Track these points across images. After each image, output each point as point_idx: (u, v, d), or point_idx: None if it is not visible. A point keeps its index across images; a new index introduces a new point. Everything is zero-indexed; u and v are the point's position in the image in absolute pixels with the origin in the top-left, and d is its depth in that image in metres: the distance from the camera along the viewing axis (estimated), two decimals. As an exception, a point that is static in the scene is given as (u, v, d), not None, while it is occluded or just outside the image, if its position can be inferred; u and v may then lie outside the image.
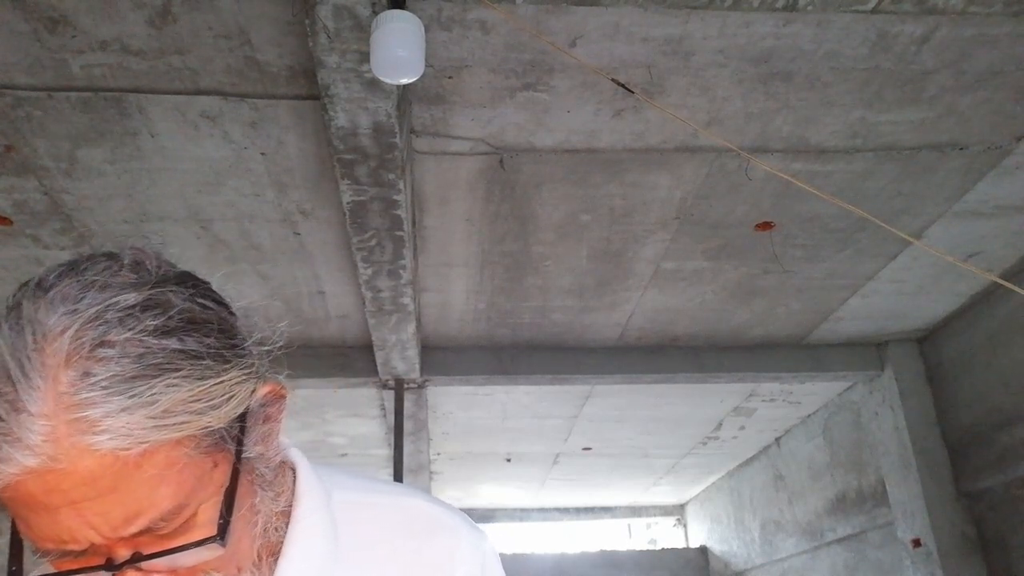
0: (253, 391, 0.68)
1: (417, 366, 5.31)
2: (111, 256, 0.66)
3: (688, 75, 3.07)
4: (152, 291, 0.62)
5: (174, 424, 0.59)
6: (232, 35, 2.78)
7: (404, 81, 2.47)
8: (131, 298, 0.61)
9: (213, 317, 0.65)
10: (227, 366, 0.64)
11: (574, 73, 3.04)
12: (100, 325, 0.58)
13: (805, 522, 7.51)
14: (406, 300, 4.32)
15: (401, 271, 4.00)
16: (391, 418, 5.87)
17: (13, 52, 2.81)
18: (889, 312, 5.28)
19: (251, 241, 4.09)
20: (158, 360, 0.59)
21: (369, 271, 3.99)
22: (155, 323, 0.60)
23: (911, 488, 5.45)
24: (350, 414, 6.66)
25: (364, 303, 4.38)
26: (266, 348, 0.72)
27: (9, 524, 0.63)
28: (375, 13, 2.41)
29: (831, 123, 3.40)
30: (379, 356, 5.08)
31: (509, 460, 8.40)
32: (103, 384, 0.57)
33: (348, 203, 3.41)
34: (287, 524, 0.74)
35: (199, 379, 0.61)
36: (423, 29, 2.46)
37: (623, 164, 3.63)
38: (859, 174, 3.76)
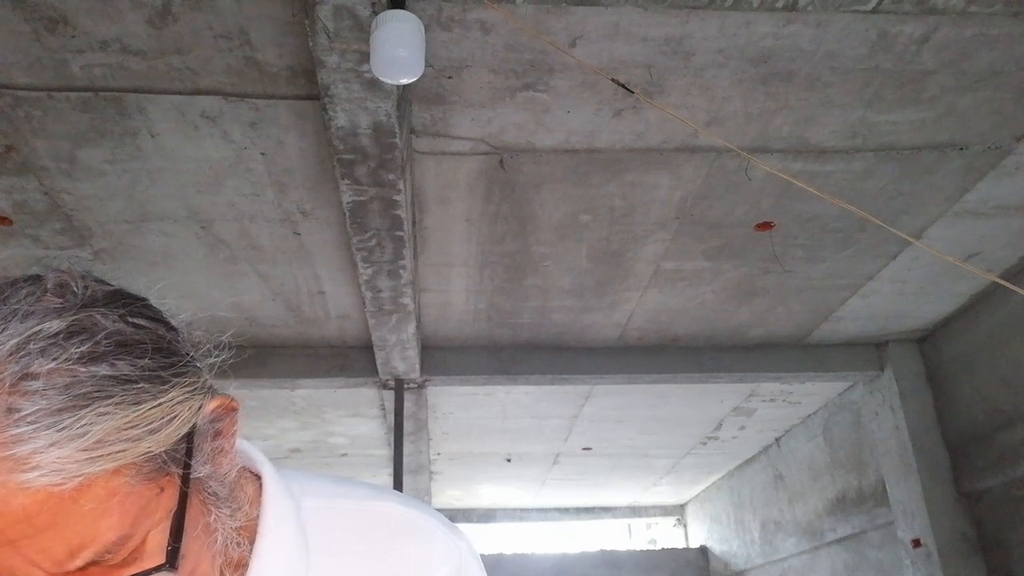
0: (199, 408, 0.65)
1: (417, 366, 5.32)
2: (34, 280, 0.63)
3: (688, 75, 3.07)
4: (78, 315, 0.59)
5: (109, 454, 0.56)
6: (232, 35, 2.78)
7: (404, 81, 2.47)
8: (55, 325, 0.58)
9: (147, 337, 0.62)
10: (165, 387, 0.61)
11: (574, 73, 3.04)
12: (23, 357, 0.56)
13: (805, 522, 7.51)
14: (406, 300, 4.32)
15: (401, 271, 4.00)
16: (391, 418, 5.87)
17: (13, 52, 2.81)
18: (889, 312, 5.28)
19: (251, 241, 4.09)
20: (87, 389, 0.56)
21: (369, 271, 3.99)
22: (82, 349, 0.57)
23: (911, 488, 5.45)
24: (350, 414, 6.66)
25: (364, 303, 4.38)
26: (212, 361, 0.69)
27: None
28: (375, 13, 2.41)
29: (831, 123, 3.40)
30: (379, 356, 5.08)
31: (509, 460, 8.40)
32: (30, 419, 0.54)
33: (348, 203, 3.41)
34: (253, 536, 0.72)
35: (133, 404, 0.58)
36: (423, 29, 2.46)
37: (623, 164, 3.63)
38: (859, 174, 3.76)
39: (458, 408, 6.68)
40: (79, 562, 0.57)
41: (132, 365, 0.59)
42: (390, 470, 6.03)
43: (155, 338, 0.63)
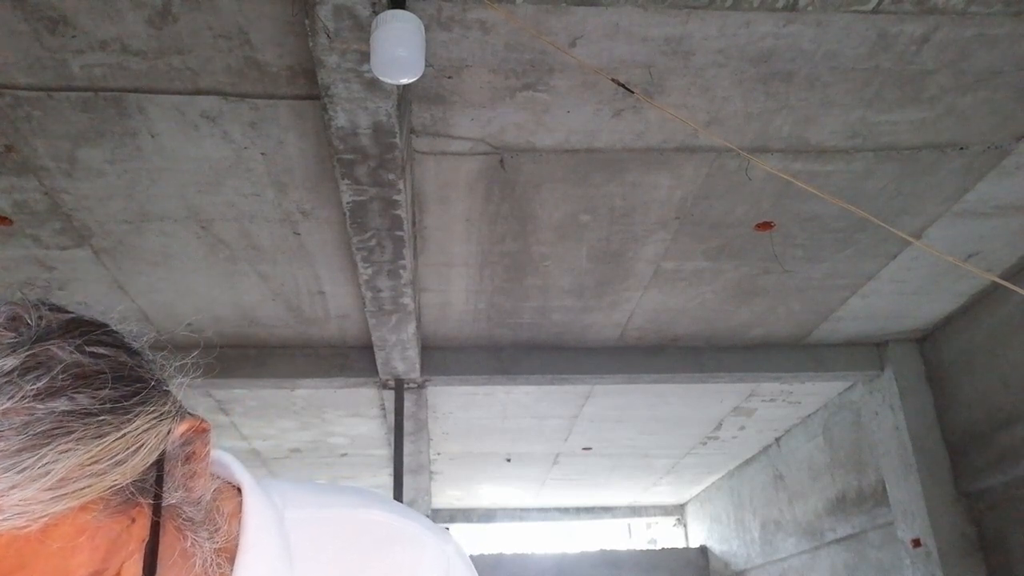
0: (168, 433, 0.63)
1: (417, 366, 5.32)
2: None
3: (688, 75, 3.07)
4: (32, 349, 0.57)
5: (74, 492, 0.55)
6: (232, 35, 2.78)
7: (404, 81, 2.47)
8: (9, 362, 0.55)
9: (106, 366, 0.60)
10: (128, 416, 0.59)
11: (574, 73, 3.04)
12: None
13: (805, 522, 7.51)
14: (406, 300, 4.32)
15: (401, 271, 4.00)
16: (391, 418, 5.87)
17: (13, 52, 2.81)
18: (889, 312, 5.28)
19: (251, 241, 4.09)
20: (46, 426, 0.54)
21: (369, 271, 3.99)
22: (38, 386, 0.55)
23: (911, 488, 5.45)
24: (350, 414, 6.66)
25: (364, 303, 4.38)
26: (181, 381, 0.67)
27: None
28: (375, 13, 2.41)
29: (831, 123, 3.40)
30: (379, 356, 5.08)
31: (509, 460, 8.40)
32: None
33: (348, 203, 3.41)
34: (234, 553, 0.71)
35: (96, 438, 0.56)
36: (423, 29, 2.46)
37: (623, 164, 3.63)
38: (859, 174, 3.76)
39: (458, 408, 6.68)
40: None
41: (92, 397, 0.57)
42: (390, 470, 6.03)
43: (115, 366, 0.61)
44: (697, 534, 10.69)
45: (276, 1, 2.65)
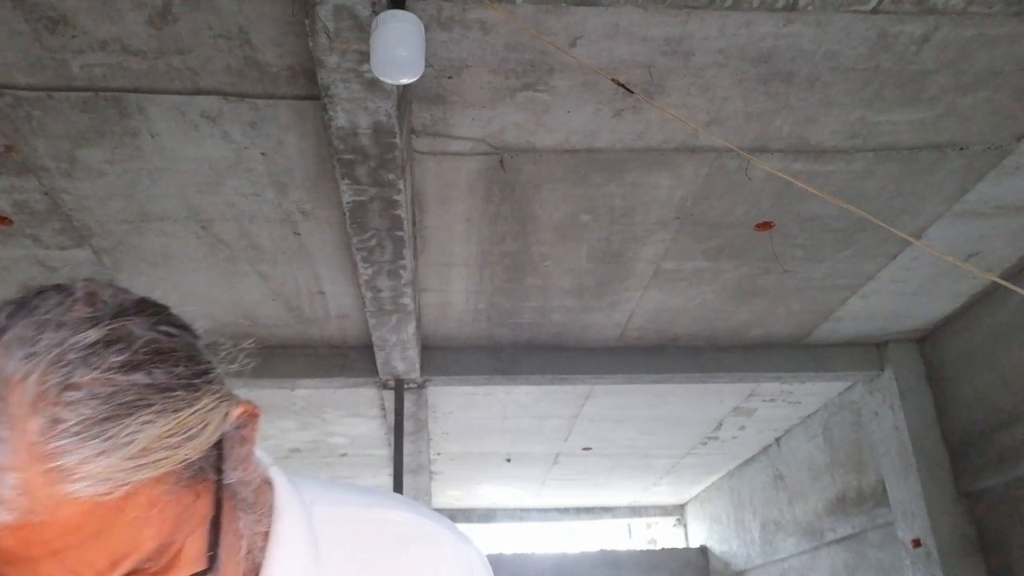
0: (226, 415, 0.65)
1: (417, 366, 5.31)
2: (62, 290, 0.62)
3: (688, 75, 3.07)
4: (112, 324, 0.59)
5: (153, 462, 0.56)
6: (232, 35, 2.78)
7: (404, 81, 2.47)
8: (92, 335, 0.57)
9: (179, 344, 0.62)
10: (198, 394, 0.61)
11: (574, 73, 3.04)
12: (63, 367, 0.55)
13: (805, 522, 7.51)
14: (406, 300, 4.32)
15: (401, 271, 4.00)
16: (391, 418, 5.87)
17: (13, 52, 2.81)
18: (889, 312, 5.28)
19: (251, 241, 4.09)
20: (129, 398, 0.56)
21: (369, 271, 3.99)
22: (120, 359, 0.57)
23: (911, 488, 5.44)
24: (350, 414, 6.66)
25: (364, 303, 4.38)
26: (233, 368, 0.69)
27: None
28: (375, 13, 2.41)
29: (831, 123, 3.40)
30: (379, 356, 5.08)
31: (509, 460, 8.40)
32: (75, 429, 0.54)
33: (348, 203, 3.41)
34: (266, 543, 0.72)
35: (173, 412, 0.58)
36: (423, 29, 2.46)
37: (623, 164, 3.63)
38: (859, 174, 3.76)
39: (458, 408, 6.68)
40: (121, 571, 0.57)
41: (168, 373, 0.59)
42: (390, 470, 6.03)
43: (184, 345, 0.63)
44: (697, 534, 10.69)
45: (276, 1, 2.65)
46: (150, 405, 0.57)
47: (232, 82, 3.00)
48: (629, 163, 3.63)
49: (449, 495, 9.87)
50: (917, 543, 5.38)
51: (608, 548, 10.61)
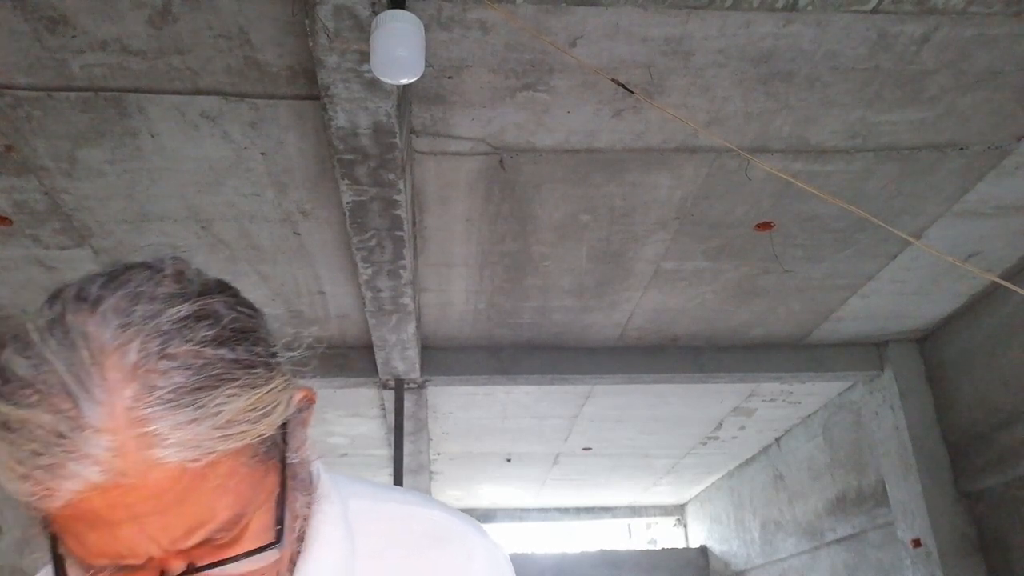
0: (291, 397, 0.68)
1: (417, 366, 5.31)
2: (149, 266, 0.65)
3: (688, 75, 3.07)
4: (201, 301, 0.62)
5: (236, 434, 0.59)
6: (232, 35, 2.78)
7: (404, 81, 2.47)
8: (183, 309, 0.60)
9: (256, 325, 0.66)
10: (272, 374, 0.64)
11: (574, 73, 3.04)
12: (158, 337, 0.58)
13: (805, 522, 7.51)
14: (406, 300, 4.32)
15: (401, 271, 4.00)
16: (391, 418, 5.87)
17: (13, 52, 2.81)
18: (889, 312, 5.28)
19: (251, 241, 4.09)
20: (217, 370, 0.59)
21: (369, 271, 3.99)
22: (210, 333, 0.60)
23: (911, 488, 5.45)
24: (350, 414, 6.66)
25: (364, 303, 4.38)
26: (294, 354, 0.72)
27: (49, 542, 0.62)
28: (375, 13, 2.41)
29: (831, 123, 3.40)
30: (379, 356, 5.08)
31: (509, 460, 8.40)
32: (168, 397, 0.56)
33: (348, 203, 3.41)
34: (307, 528, 0.74)
35: (253, 388, 0.61)
36: (423, 29, 2.46)
37: (623, 164, 3.63)
38: (859, 174, 3.76)
39: (458, 408, 6.68)
40: (194, 540, 0.59)
41: (248, 351, 0.62)
42: (390, 470, 6.03)
43: (260, 326, 0.67)
44: (697, 534, 10.69)
45: (276, 1, 2.65)
46: (235, 379, 0.60)
47: (232, 82, 3.00)
48: (629, 163, 3.63)
49: (449, 495, 9.87)
50: (917, 543, 5.38)
51: (608, 548, 10.61)
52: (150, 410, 0.56)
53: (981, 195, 3.97)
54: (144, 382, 0.56)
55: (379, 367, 5.26)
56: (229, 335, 0.61)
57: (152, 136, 3.26)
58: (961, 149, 3.63)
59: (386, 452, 7.62)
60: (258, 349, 0.63)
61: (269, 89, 3.04)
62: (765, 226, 4.18)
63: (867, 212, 3.54)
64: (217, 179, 3.56)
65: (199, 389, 0.57)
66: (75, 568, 0.61)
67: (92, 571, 0.59)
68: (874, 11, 2.77)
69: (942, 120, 3.41)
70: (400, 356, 5.10)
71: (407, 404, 5.53)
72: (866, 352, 5.79)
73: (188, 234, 3.99)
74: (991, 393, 4.98)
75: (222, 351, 0.60)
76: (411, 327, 4.68)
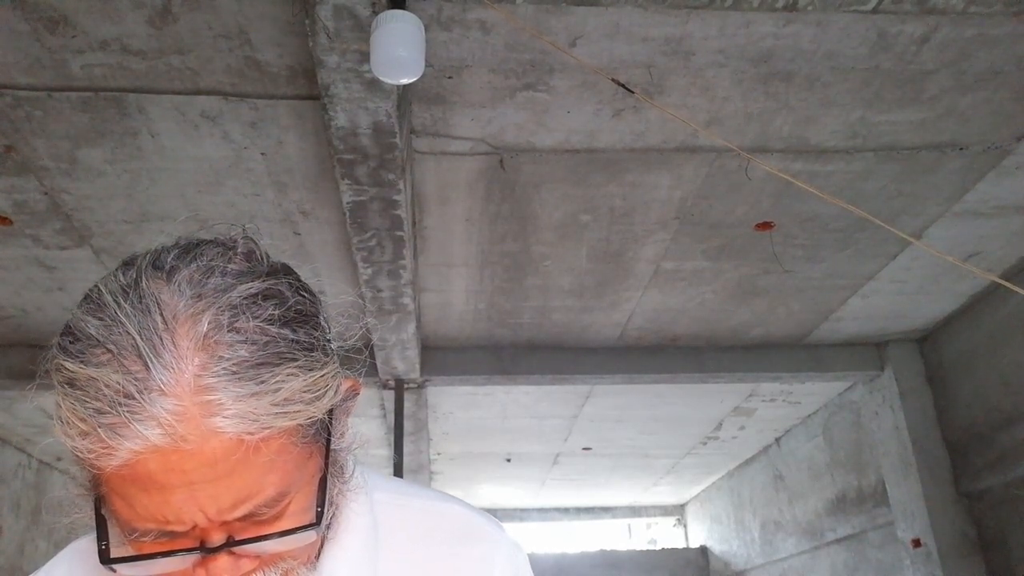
0: (339, 385, 0.69)
1: (417, 366, 5.32)
2: (222, 243, 0.67)
3: (688, 75, 3.07)
4: (269, 281, 0.63)
5: (291, 412, 0.60)
6: (232, 35, 2.78)
7: (404, 81, 2.47)
8: (254, 287, 0.62)
9: (316, 310, 0.68)
10: (327, 359, 0.66)
11: (574, 73, 3.04)
12: (228, 311, 0.60)
13: (805, 522, 7.52)
14: (406, 300, 4.32)
15: (401, 271, 4.00)
16: (391, 418, 5.87)
17: (13, 52, 2.81)
18: (889, 312, 5.28)
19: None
20: (280, 349, 0.60)
21: (369, 271, 3.99)
22: (276, 312, 0.61)
23: (911, 488, 5.45)
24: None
25: (364, 303, 4.38)
26: (342, 344, 0.73)
27: (93, 502, 0.63)
28: (375, 13, 2.41)
29: (831, 123, 3.40)
30: (379, 356, 5.08)
31: (509, 460, 8.40)
32: (233, 369, 0.58)
33: (348, 203, 3.41)
34: (336, 515, 0.75)
35: (310, 370, 0.62)
36: (423, 29, 2.46)
37: (623, 164, 3.63)
38: (859, 174, 3.76)
39: (458, 408, 6.68)
40: (240, 512, 0.60)
41: (308, 334, 0.64)
42: (390, 470, 6.03)
43: (320, 312, 0.69)
44: (697, 534, 10.69)
45: (276, 1, 2.65)
46: (295, 359, 0.61)
47: (232, 82, 3.00)
48: (629, 163, 3.63)
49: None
50: (917, 543, 5.38)
51: (608, 548, 10.61)
52: (215, 380, 0.57)
53: (981, 195, 3.97)
54: (212, 352, 0.58)
55: (379, 367, 5.26)
56: (293, 316, 0.63)
57: (152, 136, 3.26)
58: (961, 149, 3.63)
59: (386, 452, 7.62)
60: (317, 333, 0.65)
61: (269, 89, 3.05)
62: (765, 226, 4.18)
63: (867, 212, 3.54)
64: (217, 179, 3.57)
65: (262, 364, 0.59)
66: (115, 532, 0.62)
67: (135, 535, 0.60)
68: (874, 11, 2.77)
69: (942, 120, 3.41)
70: (400, 356, 5.10)
71: (407, 404, 5.53)
72: (866, 352, 5.79)
73: (188, 234, 3.98)
74: (991, 393, 4.98)
75: (286, 331, 0.61)
76: (411, 327, 4.68)
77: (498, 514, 10.76)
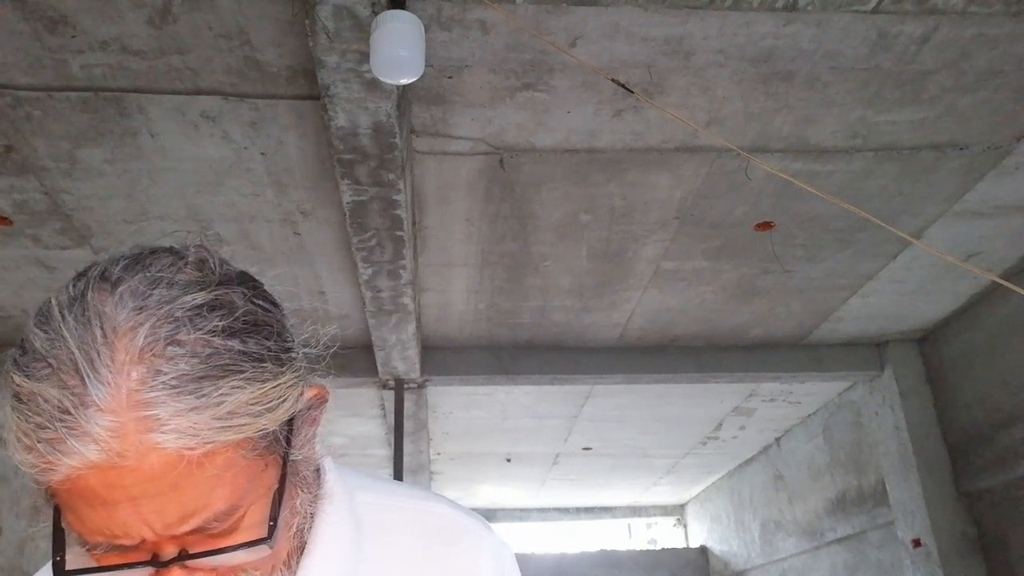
0: (301, 394, 0.68)
1: (417, 366, 5.31)
2: (174, 252, 0.66)
3: (688, 75, 3.07)
4: (218, 291, 0.62)
5: (236, 426, 0.59)
6: (232, 35, 2.78)
7: (404, 81, 2.47)
8: (199, 297, 0.60)
9: (271, 319, 0.66)
10: (282, 369, 0.64)
11: (574, 73, 3.04)
12: (170, 323, 0.58)
13: (805, 522, 7.51)
14: (406, 300, 4.32)
15: (401, 271, 4.00)
16: (391, 418, 5.87)
17: (13, 52, 2.81)
18: (889, 312, 5.28)
19: (251, 241, 4.09)
20: (224, 361, 0.59)
21: (369, 271, 3.99)
22: (222, 324, 0.60)
23: (911, 488, 5.45)
24: (350, 414, 6.66)
25: (364, 303, 4.38)
26: (310, 351, 0.72)
27: (52, 514, 0.63)
28: (375, 13, 2.41)
29: (831, 123, 3.40)
30: (379, 356, 5.08)
31: (509, 460, 8.40)
32: (172, 383, 0.57)
33: (348, 203, 3.41)
34: (312, 524, 0.74)
35: (259, 382, 0.61)
36: (423, 29, 2.46)
37: (623, 164, 3.63)
38: (859, 174, 3.76)
39: (458, 408, 6.68)
40: (187, 527, 0.59)
41: (260, 344, 0.62)
42: (390, 470, 6.03)
43: (276, 321, 0.66)
44: (697, 534, 10.69)
45: (276, 1, 2.65)
46: (241, 371, 0.60)
47: (232, 82, 3.00)
48: (629, 163, 3.63)
49: (449, 495, 9.86)
50: (917, 543, 5.38)
51: (608, 548, 10.61)
52: (153, 394, 0.56)
53: (981, 195, 3.97)
54: (150, 366, 0.57)
55: (379, 367, 5.26)
56: (241, 327, 0.61)
57: (152, 136, 3.26)
58: (961, 149, 3.63)
59: (386, 452, 7.62)
60: (270, 343, 0.63)
61: (269, 89, 3.04)
62: (765, 226, 4.18)
63: (867, 212, 3.54)
64: (217, 179, 3.56)
65: (203, 378, 0.58)
66: (74, 542, 0.61)
67: (88, 546, 0.60)
68: (874, 11, 2.77)
69: (942, 120, 3.41)
70: (400, 356, 5.10)
71: (407, 404, 5.53)
72: (866, 352, 5.79)
73: (188, 234, 3.98)
74: (991, 393, 4.98)
75: (233, 342, 0.60)
76: (411, 327, 4.68)
77: (498, 514, 10.77)
